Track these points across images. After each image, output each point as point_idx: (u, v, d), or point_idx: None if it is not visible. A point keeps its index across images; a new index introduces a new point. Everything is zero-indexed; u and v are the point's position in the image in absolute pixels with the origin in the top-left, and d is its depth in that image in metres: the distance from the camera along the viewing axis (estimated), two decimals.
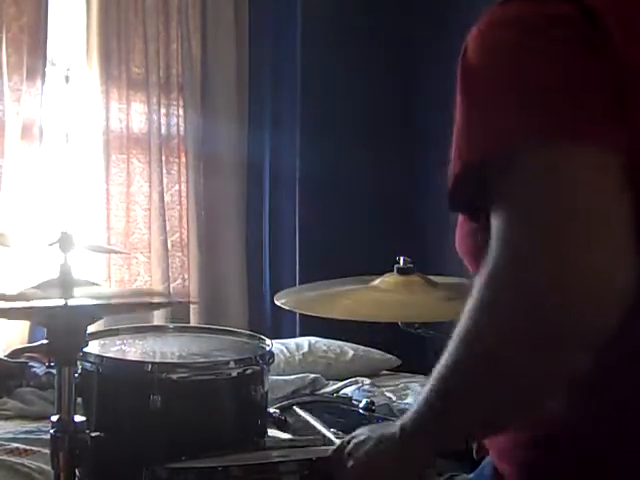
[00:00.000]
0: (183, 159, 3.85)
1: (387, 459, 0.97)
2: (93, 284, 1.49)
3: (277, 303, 1.86)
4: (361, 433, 1.05)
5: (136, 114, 3.73)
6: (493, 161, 0.79)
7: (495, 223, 0.78)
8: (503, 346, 0.77)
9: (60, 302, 1.38)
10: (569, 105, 0.78)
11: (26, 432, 2.39)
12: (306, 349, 3.37)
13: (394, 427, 0.95)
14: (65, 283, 1.43)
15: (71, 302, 1.40)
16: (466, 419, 0.85)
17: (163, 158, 3.77)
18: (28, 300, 1.41)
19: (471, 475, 1.13)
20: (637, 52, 0.80)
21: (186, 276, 3.84)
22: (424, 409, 0.88)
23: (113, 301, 1.56)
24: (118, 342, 1.72)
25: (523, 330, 0.75)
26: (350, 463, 1.03)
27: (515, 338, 0.76)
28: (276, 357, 1.74)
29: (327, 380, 3.13)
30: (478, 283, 0.78)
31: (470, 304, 0.78)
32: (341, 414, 1.94)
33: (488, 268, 0.77)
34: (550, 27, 0.80)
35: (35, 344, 1.46)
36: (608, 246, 0.74)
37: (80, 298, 1.44)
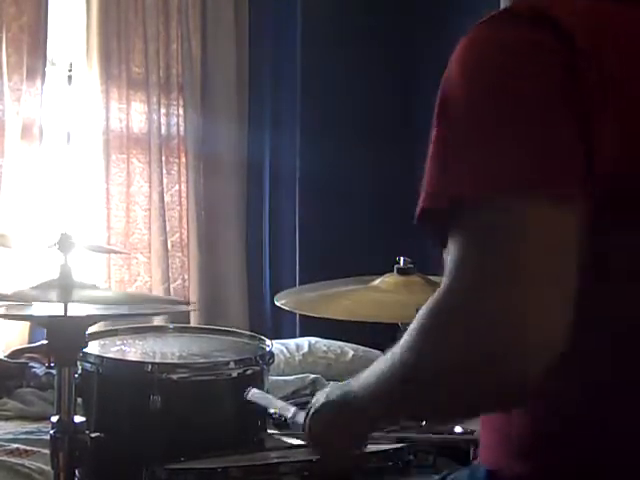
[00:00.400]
0: (183, 159, 3.85)
1: (336, 422, 1.01)
2: (93, 286, 1.48)
3: (277, 303, 1.86)
4: (317, 399, 1.07)
5: (136, 114, 3.73)
6: (446, 207, 0.80)
7: (447, 260, 0.79)
8: (423, 379, 0.80)
9: (60, 309, 1.37)
10: (527, 162, 0.76)
11: (26, 433, 2.39)
12: (306, 349, 3.37)
13: (347, 394, 0.97)
14: (65, 285, 1.42)
15: (70, 308, 1.39)
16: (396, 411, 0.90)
17: (163, 158, 3.77)
18: (27, 301, 1.41)
19: (463, 473, 1.13)
20: (612, 73, 0.78)
21: (186, 276, 3.84)
22: (373, 388, 0.90)
23: (112, 312, 1.55)
24: (118, 342, 1.73)
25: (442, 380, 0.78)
26: (308, 428, 1.07)
27: (437, 378, 0.78)
28: (276, 357, 1.75)
29: (327, 380, 3.12)
30: (425, 315, 0.79)
31: (413, 335, 0.79)
32: None
33: (431, 301, 0.78)
34: (530, 57, 0.79)
35: (35, 345, 1.47)
36: (537, 306, 0.74)
37: (79, 303, 1.43)
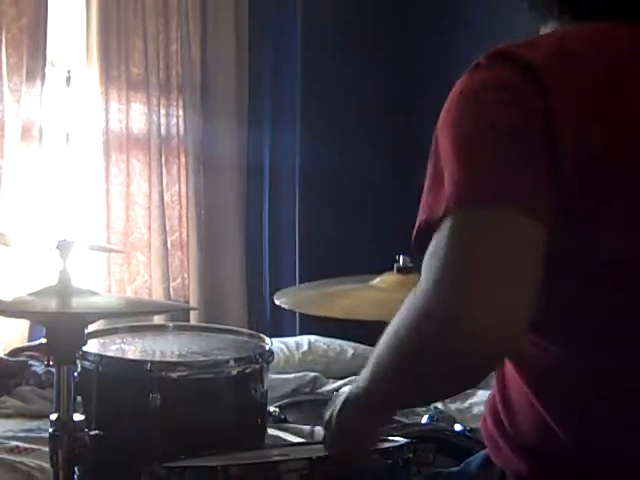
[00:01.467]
0: (183, 159, 3.85)
1: (351, 419, 1.06)
2: (92, 293, 1.48)
3: (277, 302, 1.86)
4: (333, 405, 1.12)
5: (136, 114, 3.73)
6: (426, 229, 0.90)
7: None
8: (412, 360, 0.89)
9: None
10: (492, 178, 0.86)
11: (26, 431, 2.39)
12: (306, 348, 3.37)
13: (357, 389, 1.02)
14: (63, 291, 1.42)
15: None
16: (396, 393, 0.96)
17: (163, 158, 3.78)
18: (25, 308, 1.41)
19: (456, 469, 1.14)
20: (569, 103, 0.87)
21: (186, 275, 3.84)
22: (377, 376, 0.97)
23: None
24: (117, 341, 1.73)
25: (424, 354, 0.87)
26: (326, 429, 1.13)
27: (420, 358, 0.88)
28: (276, 356, 1.75)
29: (327, 379, 3.13)
30: (409, 298, 0.89)
31: (402, 313, 0.90)
32: None
33: (414, 292, 0.88)
34: (491, 96, 0.89)
35: (35, 343, 1.46)
36: (492, 304, 0.82)
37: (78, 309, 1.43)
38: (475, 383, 0.89)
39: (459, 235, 0.85)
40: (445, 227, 0.86)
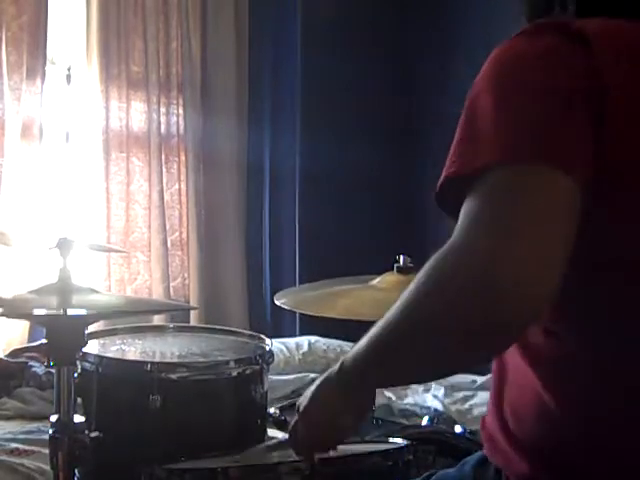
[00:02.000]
0: (183, 158, 3.85)
1: (326, 394, 1.06)
2: (93, 291, 1.48)
3: (277, 303, 1.86)
4: (303, 396, 1.13)
5: (136, 113, 3.73)
6: (461, 179, 0.87)
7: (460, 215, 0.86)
8: (435, 322, 0.85)
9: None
10: (534, 136, 0.85)
11: (26, 432, 2.39)
12: (306, 349, 3.37)
13: (334, 367, 1.03)
14: (64, 289, 1.42)
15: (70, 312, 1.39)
16: (395, 369, 0.94)
17: (163, 157, 3.77)
18: (26, 306, 1.41)
19: (452, 470, 1.14)
20: (622, 75, 0.87)
21: (186, 275, 3.84)
22: (365, 351, 0.95)
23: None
24: (118, 342, 1.72)
25: (451, 312, 0.83)
26: (298, 411, 1.12)
27: (444, 318, 0.84)
28: (276, 357, 1.74)
29: None
30: (433, 258, 0.85)
31: (421, 274, 0.86)
32: None
33: (442, 251, 0.84)
34: (540, 62, 0.88)
35: (35, 344, 1.46)
36: (528, 260, 0.81)
37: (78, 309, 1.43)
38: (498, 350, 0.88)
39: (497, 192, 0.84)
40: (482, 183, 0.85)
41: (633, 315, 0.89)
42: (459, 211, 0.87)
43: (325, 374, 1.08)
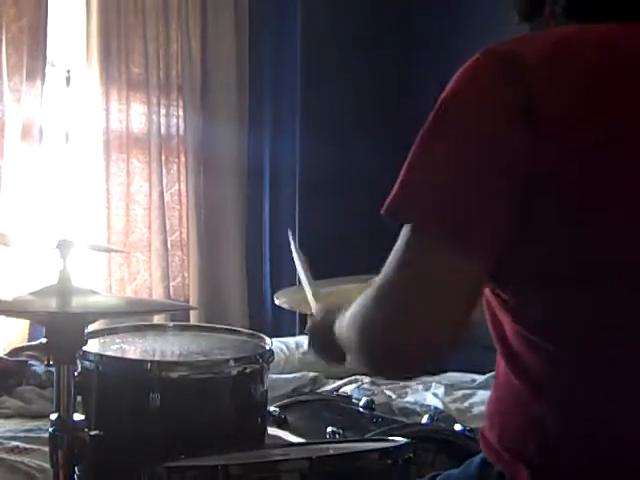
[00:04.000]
0: (183, 159, 3.85)
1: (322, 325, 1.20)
2: (93, 292, 1.48)
3: (277, 302, 1.86)
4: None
5: (136, 114, 3.73)
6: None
7: None
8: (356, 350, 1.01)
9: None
10: (447, 203, 0.89)
11: (26, 431, 2.39)
12: (306, 348, 3.37)
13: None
14: (64, 291, 1.42)
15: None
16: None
17: (163, 158, 3.78)
18: (25, 307, 1.41)
19: (456, 471, 1.14)
20: (559, 103, 0.87)
21: (186, 275, 3.85)
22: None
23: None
24: (118, 340, 1.72)
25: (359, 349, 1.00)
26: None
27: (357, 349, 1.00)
28: (276, 356, 1.74)
29: (327, 378, 3.13)
30: (364, 295, 0.98)
31: (354, 308, 1.00)
32: (341, 412, 1.94)
33: (365, 293, 0.97)
34: (473, 97, 0.91)
35: (35, 343, 1.46)
36: (426, 316, 0.91)
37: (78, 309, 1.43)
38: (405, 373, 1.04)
39: (407, 255, 0.91)
40: (402, 239, 0.92)
41: (610, 323, 0.89)
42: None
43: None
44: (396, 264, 0.92)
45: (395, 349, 0.93)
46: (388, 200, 0.94)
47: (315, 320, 1.31)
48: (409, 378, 0.99)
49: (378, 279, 0.95)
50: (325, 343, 1.19)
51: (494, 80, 0.89)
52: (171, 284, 3.77)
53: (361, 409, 1.94)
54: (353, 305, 1.02)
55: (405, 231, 0.92)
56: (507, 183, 0.87)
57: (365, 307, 0.97)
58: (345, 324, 1.04)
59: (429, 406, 2.66)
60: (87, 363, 1.55)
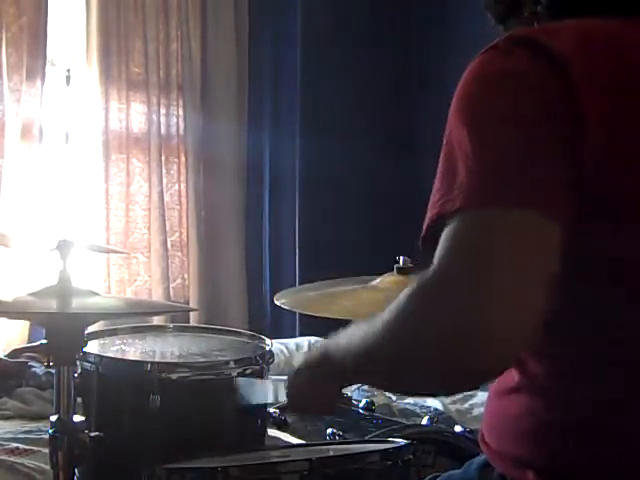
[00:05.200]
0: (183, 159, 3.85)
1: (307, 374, 1.12)
2: (93, 293, 1.48)
3: (277, 303, 1.86)
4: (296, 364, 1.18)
5: (136, 114, 3.73)
6: (437, 222, 0.86)
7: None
8: (399, 357, 0.87)
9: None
10: (506, 176, 0.83)
11: (26, 432, 2.39)
12: (306, 349, 3.37)
13: (325, 345, 1.06)
14: (63, 292, 1.42)
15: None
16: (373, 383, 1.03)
17: (163, 158, 3.78)
18: (25, 308, 1.41)
19: (456, 472, 1.14)
20: (601, 104, 0.83)
21: (186, 276, 3.84)
22: (350, 356, 0.97)
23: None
24: (117, 342, 1.72)
25: (414, 356, 0.85)
26: (289, 389, 1.21)
27: (408, 358, 0.86)
28: (276, 357, 1.74)
29: None
30: (405, 292, 0.85)
31: (404, 304, 0.86)
32: (341, 414, 1.93)
33: (411, 288, 0.85)
34: (510, 85, 0.85)
35: (34, 344, 1.46)
36: (498, 305, 0.80)
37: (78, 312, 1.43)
38: (467, 388, 0.90)
39: (472, 235, 0.83)
40: (457, 225, 0.83)
41: (613, 323, 0.89)
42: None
43: (308, 358, 1.13)
44: (464, 250, 0.82)
45: (472, 350, 0.79)
46: (442, 208, 0.85)
47: (299, 372, 1.16)
48: (477, 387, 0.88)
49: (425, 278, 0.83)
50: (312, 395, 1.13)
51: (529, 64, 0.85)
52: (171, 285, 3.77)
53: (361, 410, 1.94)
54: (372, 325, 0.90)
55: (465, 221, 0.83)
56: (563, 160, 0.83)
57: (412, 314, 0.84)
58: (374, 346, 0.90)
59: (429, 407, 2.66)
60: (87, 364, 1.55)
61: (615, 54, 0.87)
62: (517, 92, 0.85)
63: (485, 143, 0.85)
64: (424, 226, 0.89)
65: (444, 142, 0.89)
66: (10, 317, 2.06)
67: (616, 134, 0.84)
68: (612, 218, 0.85)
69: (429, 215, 0.88)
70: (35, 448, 2.22)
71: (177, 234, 3.84)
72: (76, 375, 1.42)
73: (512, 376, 0.96)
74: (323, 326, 2.86)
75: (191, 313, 3.68)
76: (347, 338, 0.99)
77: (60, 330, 1.38)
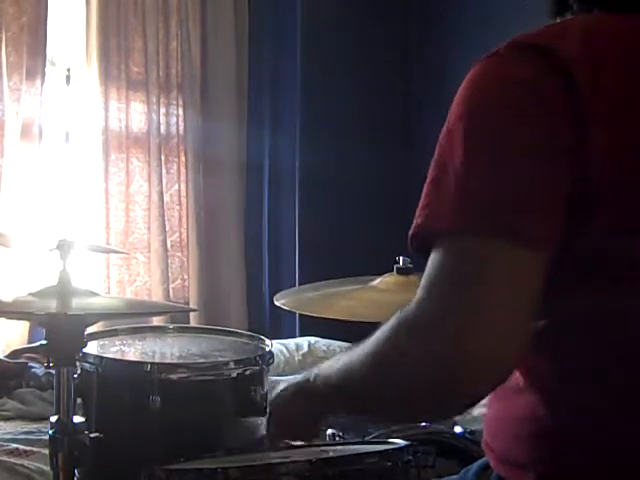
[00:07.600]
0: (182, 158, 3.85)
1: (292, 398, 1.11)
2: (92, 293, 1.48)
3: (276, 303, 1.86)
4: (276, 389, 1.18)
5: (136, 113, 3.73)
6: (424, 235, 0.87)
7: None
8: (381, 388, 0.89)
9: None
10: (494, 200, 0.82)
11: (26, 433, 2.39)
12: (306, 349, 3.37)
13: (308, 374, 1.05)
14: (63, 292, 1.42)
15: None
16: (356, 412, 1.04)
17: (162, 157, 3.77)
18: (25, 309, 1.41)
19: (454, 477, 1.14)
20: (607, 108, 0.82)
21: (186, 276, 3.84)
22: (334, 387, 0.98)
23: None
24: (117, 342, 1.72)
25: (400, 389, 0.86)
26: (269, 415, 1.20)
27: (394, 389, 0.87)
28: (276, 357, 1.74)
29: None
30: (389, 324, 0.87)
31: (378, 340, 0.88)
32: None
33: (396, 318, 0.86)
34: (511, 98, 0.83)
35: (34, 345, 1.46)
36: (483, 333, 0.81)
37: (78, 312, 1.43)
38: (458, 410, 0.90)
39: (455, 265, 0.83)
40: (441, 253, 0.83)
41: (614, 324, 0.89)
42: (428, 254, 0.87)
43: (298, 382, 1.11)
44: (448, 280, 0.83)
45: (461, 378, 0.81)
46: (428, 220, 0.86)
47: (281, 395, 1.16)
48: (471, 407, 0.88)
49: (412, 308, 0.84)
50: (294, 420, 1.13)
51: (532, 72, 0.83)
52: (171, 285, 3.77)
53: None
54: (356, 354, 0.90)
55: (451, 249, 0.83)
56: (562, 176, 0.82)
57: (397, 337, 0.85)
58: (358, 375, 0.90)
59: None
60: (87, 365, 1.55)
61: (621, 53, 0.86)
62: (518, 106, 0.83)
63: (476, 160, 0.83)
64: (410, 230, 0.89)
65: (438, 141, 0.88)
66: (10, 317, 2.06)
67: (620, 136, 0.83)
68: (615, 218, 0.85)
69: (415, 221, 0.88)
70: (35, 449, 2.22)
71: (177, 234, 3.84)
72: (76, 376, 1.42)
73: (514, 379, 0.96)
74: (323, 326, 2.88)
75: (191, 313, 3.68)
76: (330, 369, 0.99)
77: (60, 331, 1.38)
